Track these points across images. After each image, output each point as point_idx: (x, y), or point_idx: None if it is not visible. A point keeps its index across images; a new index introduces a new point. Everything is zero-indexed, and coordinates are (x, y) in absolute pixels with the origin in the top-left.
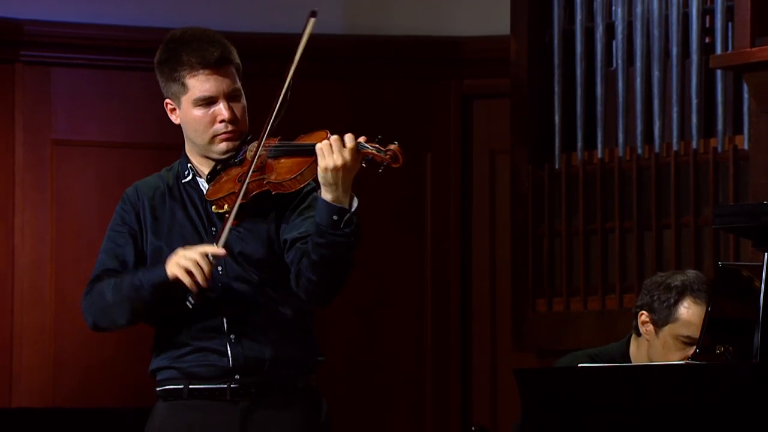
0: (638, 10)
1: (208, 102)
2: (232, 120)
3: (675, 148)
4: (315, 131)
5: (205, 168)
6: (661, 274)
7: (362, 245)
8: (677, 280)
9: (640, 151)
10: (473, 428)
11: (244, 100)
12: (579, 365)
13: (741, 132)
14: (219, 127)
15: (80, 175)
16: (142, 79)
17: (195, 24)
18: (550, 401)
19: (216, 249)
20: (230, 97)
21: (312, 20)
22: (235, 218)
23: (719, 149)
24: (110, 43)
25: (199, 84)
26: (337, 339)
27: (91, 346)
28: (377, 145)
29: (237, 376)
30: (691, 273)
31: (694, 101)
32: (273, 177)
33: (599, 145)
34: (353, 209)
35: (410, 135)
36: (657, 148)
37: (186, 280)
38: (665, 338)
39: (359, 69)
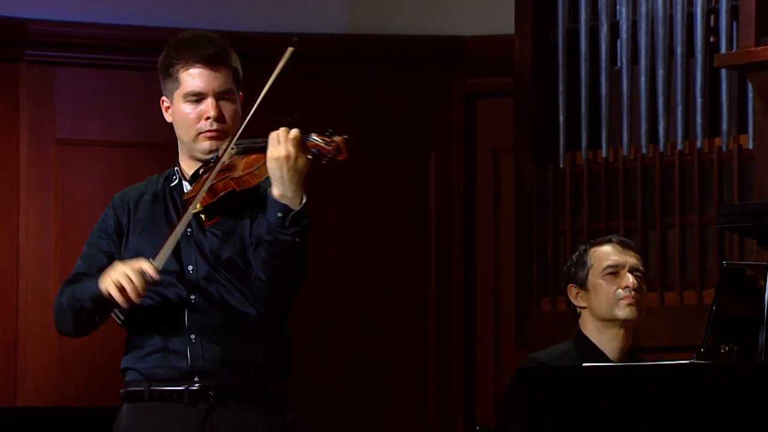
0: (643, 9)
1: (197, 98)
2: (218, 118)
3: (679, 147)
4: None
5: (190, 171)
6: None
7: (366, 244)
8: (583, 247)
9: (644, 150)
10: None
11: (237, 105)
12: (584, 365)
13: (746, 131)
14: (203, 124)
15: (84, 174)
16: (146, 78)
17: (197, 23)
18: (553, 400)
19: (152, 269)
20: (220, 97)
21: (290, 50)
22: (209, 218)
23: (724, 148)
24: (114, 42)
25: (190, 78)
26: (340, 337)
27: (96, 345)
28: (324, 138)
29: (196, 379)
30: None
31: (699, 100)
32: (236, 173)
33: (603, 145)
34: (298, 209)
35: (414, 134)
36: (661, 148)
37: (116, 296)
38: (594, 285)
39: (362, 68)
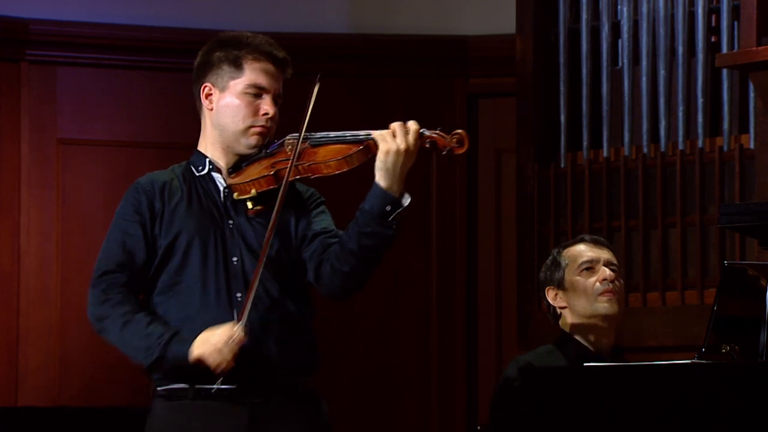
0: (644, 8)
1: (257, 92)
2: (273, 118)
3: (681, 147)
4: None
5: (223, 162)
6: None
7: None
8: (557, 250)
9: (645, 150)
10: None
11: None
12: (585, 365)
13: (747, 131)
14: (258, 119)
15: (86, 174)
16: (148, 78)
17: (199, 23)
18: (554, 400)
19: (243, 338)
20: (276, 99)
21: (317, 86)
22: (255, 205)
23: (725, 148)
24: (116, 42)
25: (258, 72)
26: (342, 339)
27: (97, 345)
28: (439, 132)
29: (244, 377)
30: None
31: (700, 100)
32: (317, 159)
33: (605, 144)
34: (405, 205)
35: None
36: (663, 147)
37: (211, 363)
38: (571, 283)
39: (365, 68)
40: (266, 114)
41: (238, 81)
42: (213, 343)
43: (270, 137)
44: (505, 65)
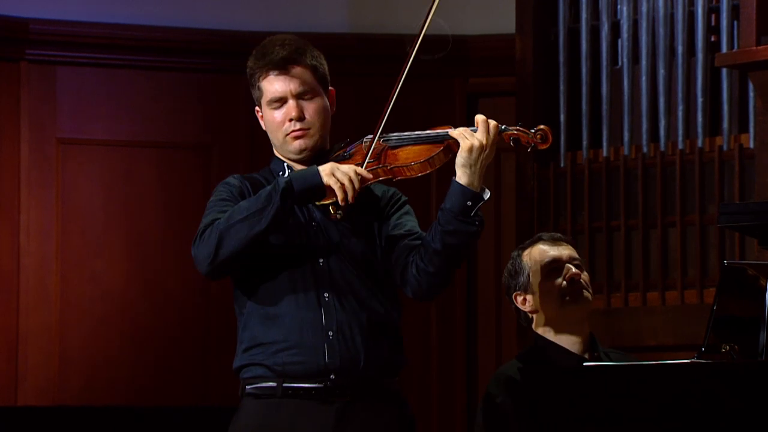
0: (644, 8)
1: (279, 103)
2: (299, 118)
3: (680, 146)
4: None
5: (298, 165)
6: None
7: None
8: (517, 252)
9: (645, 149)
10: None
11: (321, 100)
12: (585, 364)
13: (746, 130)
14: (288, 126)
15: (85, 174)
16: (148, 78)
17: (199, 23)
18: (555, 400)
19: (365, 172)
20: (300, 97)
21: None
22: (336, 214)
23: (725, 148)
24: (116, 41)
25: (269, 86)
26: None
27: (97, 344)
28: (521, 129)
29: (332, 376)
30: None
31: (700, 100)
32: (399, 162)
33: (604, 144)
34: (485, 199)
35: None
36: (662, 147)
37: (339, 193)
38: (537, 285)
39: (364, 67)
40: (291, 118)
41: (263, 101)
42: (342, 167)
43: (316, 135)
44: (504, 65)
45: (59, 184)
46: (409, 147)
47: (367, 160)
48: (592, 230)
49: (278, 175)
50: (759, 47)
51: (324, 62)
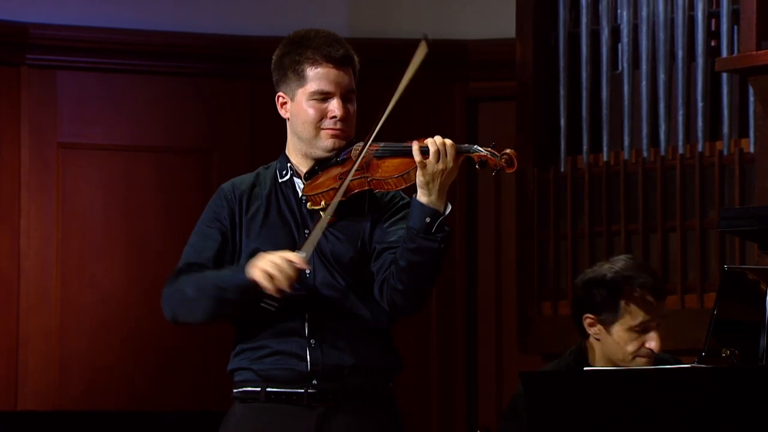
0: (644, 13)
1: (323, 97)
2: (343, 118)
3: (681, 151)
4: (425, 138)
5: (304, 168)
6: (589, 270)
7: None
8: (609, 272)
9: (645, 154)
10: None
11: (355, 105)
12: (585, 368)
13: (747, 135)
14: (328, 122)
15: (86, 178)
16: (148, 82)
17: (199, 27)
18: (555, 404)
19: (301, 260)
20: (345, 97)
21: (423, 45)
22: (331, 217)
23: (725, 152)
24: (116, 46)
25: (319, 77)
26: None
27: (97, 349)
28: (491, 149)
29: (315, 382)
30: (621, 260)
31: (700, 104)
32: (378, 174)
33: (605, 148)
34: (446, 214)
35: (415, 137)
36: (663, 151)
37: (267, 285)
38: (620, 334)
39: (363, 72)
40: (334, 116)
41: (303, 89)
42: (271, 258)
43: (349, 137)
44: (505, 69)
45: (59, 189)
46: (390, 159)
47: (353, 169)
48: (592, 235)
49: (281, 175)
50: (759, 52)
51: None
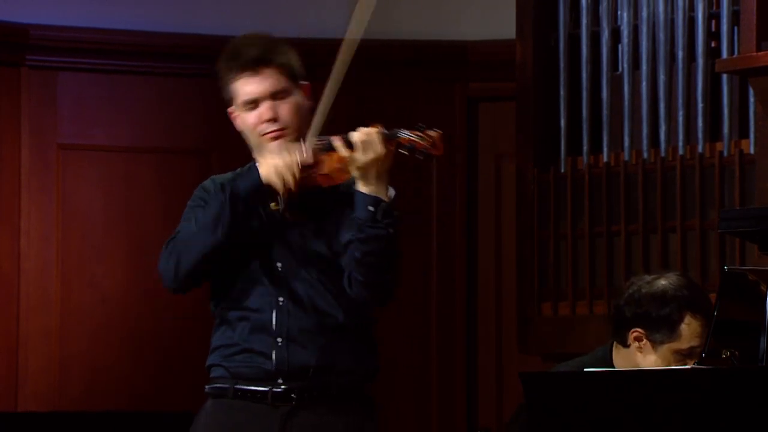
0: (644, 13)
1: (253, 105)
2: (272, 118)
3: (681, 151)
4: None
5: None
6: (640, 282)
7: None
8: (670, 290)
9: (645, 154)
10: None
11: (294, 98)
12: (585, 369)
13: (747, 136)
14: (263, 127)
15: (86, 179)
16: (148, 83)
17: (199, 28)
18: (555, 405)
19: (304, 156)
20: (274, 97)
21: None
22: (290, 213)
23: (725, 153)
24: (116, 47)
25: (242, 87)
26: None
27: (97, 349)
28: (417, 133)
29: (280, 381)
30: (675, 279)
31: (700, 105)
32: (323, 170)
33: (605, 149)
34: (389, 200)
35: None
36: (663, 152)
37: (279, 185)
38: (665, 354)
39: (365, 72)
40: (266, 120)
41: (237, 103)
42: (277, 161)
43: (296, 132)
44: (505, 70)
45: (59, 190)
46: (332, 154)
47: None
48: (592, 235)
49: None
50: (759, 53)
51: (295, 57)
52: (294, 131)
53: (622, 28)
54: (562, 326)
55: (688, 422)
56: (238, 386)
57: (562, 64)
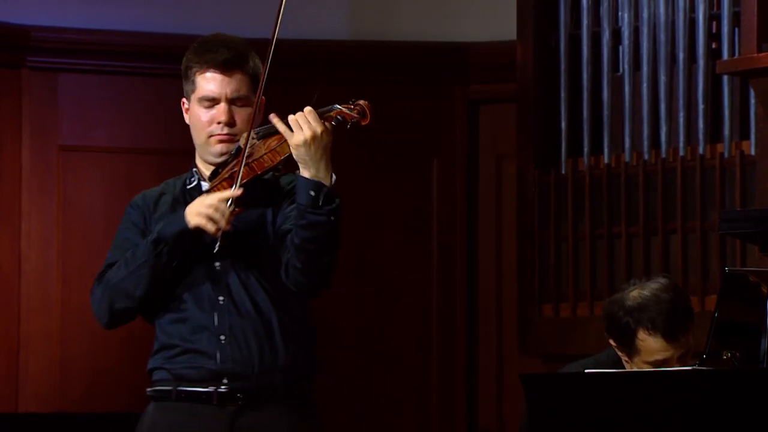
0: (645, 15)
1: (210, 102)
2: (229, 123)
3: (682, 153)
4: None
5: (208, 171)
6: (623, 290)
7: (368, 249)
8: (629, 299)
9: (646, 156)
10: None
11: (251, 109)
12: (586, 371)
13: (748, 137)
14: (214, 128)
15: (87, 181)
16: (149, 85)
17: (201, 29)
18: (556, 406)
19: (232, 191)
20: (233, 102)
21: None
22: (237, 208)
23: (726, 154)
24: (117, 48)
25: (205, 83)
26: (342, 343)
27: (98, 351)
28: (348, 105)
29: (225, 380)
30: (648, 289)
31: (701, 106)
32: (259, 153)
33: (606, 150)
34: (330, 184)
35: (416, 140)
36: (664, 153)
37: (208, 227)
38: (638, 365)
39: (364, 74)
40: (220, 121)
41: (194, 95)
42: (204, 201)
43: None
44: (505, 71)
45: (60, 191)
46: (267, 140)
47: (243, 158)
48: (593, 237)
49: (189, 181)
50: (760, 54)
51: (260, 67)
52: (240, 140)
53: (622, 29)
54: (563, 327)
55: (689, 424)
56: (181, 388)
57: (562, 66)
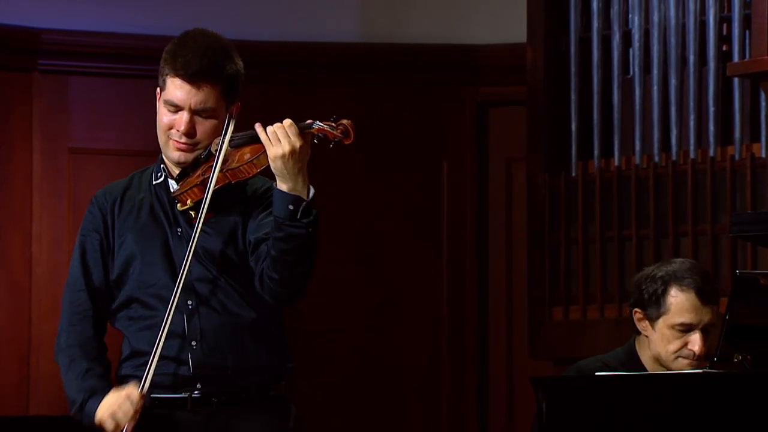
0: (655, 17)
1: (174, 108)
2: (187, 134)
3: (692, 155)
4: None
5: (177, 169)
6: (649, 267)
7: (378, 252)
8: (661, 270)
9: (656, 158)
10: None
11: (216, 120)
12: (596, 374)
13: (758, 140)
14: (173, 133)
15: (97, 183)
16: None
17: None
18: (566, 409)
19: (138, 397)
20: (197, 113)
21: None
22: (198, 215)
23: (736, 157)
24: (127, 51)
25: (173, 87)
26: (351, 347)
27: (109, 355)
28: (329, 122)
29: (198, 385)
30: (677, 262)
31: (711, 109)
32: (233, 164)
33: (616, 153)
34: (309, 199)
35: (426, 143)
36: (674, 156)
37: (111, 428)
38: (662, 330)
39: (374, 77)
40: (178, 130)
41: (162, 93)
42: (108, 409)
43: (200, 152)
44: (515, 74)
45: (71, 194)
46: (244, 147)
47: (216, 164)
48: (603, 240)
49: (156, 176)
50: None
51: (240, 74)
52: (203, 149)
53: (633, 31)
54: (573, 330)
55: (699, 426)
56: (153, 395)
57: (573, 68)
